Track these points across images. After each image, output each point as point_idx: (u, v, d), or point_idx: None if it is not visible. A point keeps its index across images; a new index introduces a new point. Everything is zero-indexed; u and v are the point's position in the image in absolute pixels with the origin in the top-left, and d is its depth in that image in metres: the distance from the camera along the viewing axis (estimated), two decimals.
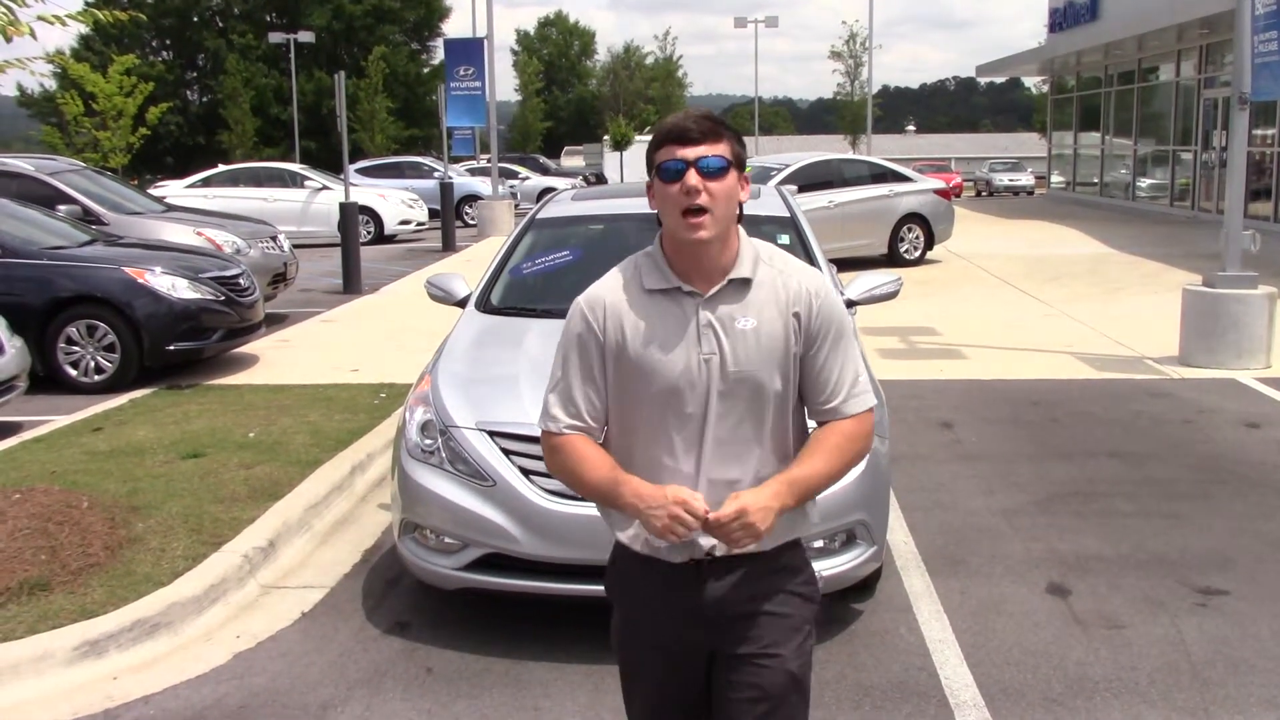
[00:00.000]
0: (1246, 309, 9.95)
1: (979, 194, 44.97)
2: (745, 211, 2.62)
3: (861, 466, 4.15)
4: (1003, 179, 44.53)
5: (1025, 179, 44.21)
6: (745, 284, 2.54)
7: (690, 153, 2.46)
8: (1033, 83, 72.17)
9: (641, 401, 2.54)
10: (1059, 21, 35.34)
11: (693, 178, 2.44)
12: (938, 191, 19.19)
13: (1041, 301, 14.33)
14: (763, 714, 2.56)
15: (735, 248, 2.56)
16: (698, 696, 2.66)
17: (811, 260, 5.94)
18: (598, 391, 2.59)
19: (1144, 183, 30.90)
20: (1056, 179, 39.48)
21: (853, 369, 2.59)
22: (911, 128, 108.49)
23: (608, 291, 2.59)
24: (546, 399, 2.62)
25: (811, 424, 2.64)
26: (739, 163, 2.52)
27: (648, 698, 2.71)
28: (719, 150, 2.48)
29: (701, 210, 2.45)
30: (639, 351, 2.52)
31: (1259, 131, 22.18)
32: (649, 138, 2.72)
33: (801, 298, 2.55)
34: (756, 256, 2.58)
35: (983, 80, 61.31)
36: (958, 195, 34.68)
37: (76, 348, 9.60)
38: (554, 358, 2.64)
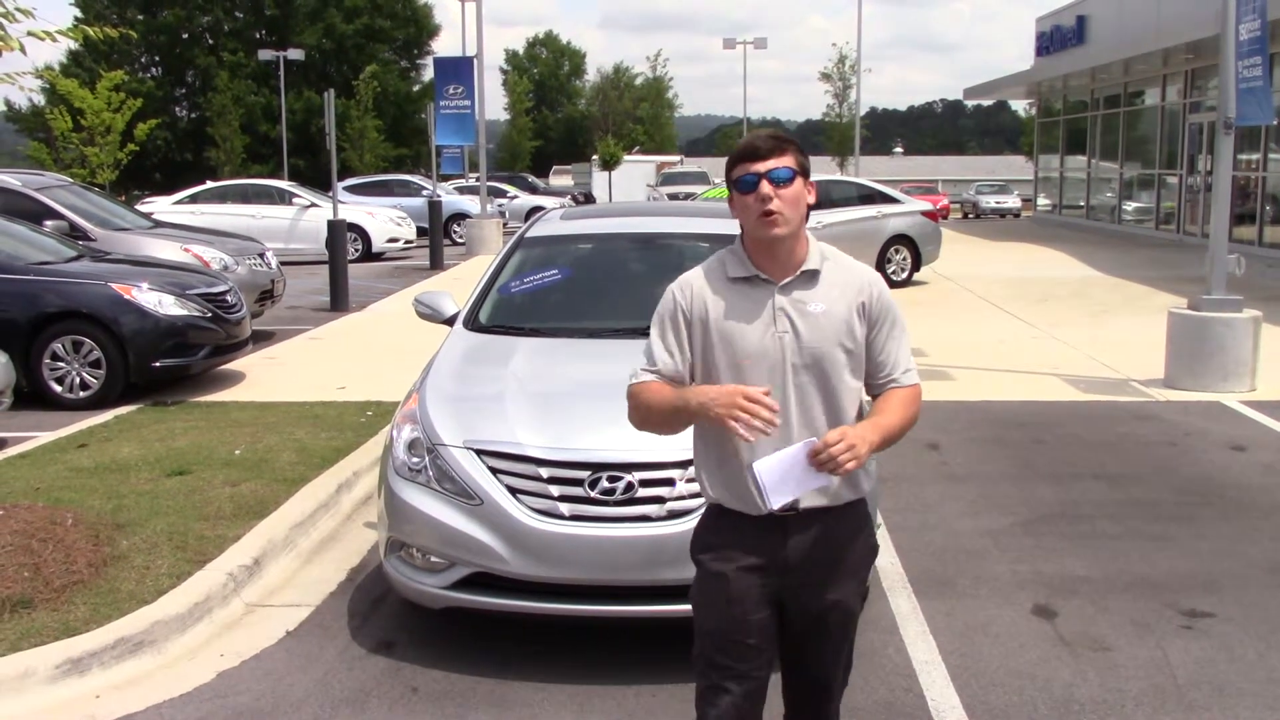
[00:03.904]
0: (1231, 332, 10.00)
1: (965, 216, 45.15)
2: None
3: None
4: (989, 201, 44.67)
5: (1012, 201, 44.33)
6: (814, 275, 2.94)
7: (761, 166, 2.84)
8: (1020, 106, 72.74)
9: (723, 370, 2.88)
10: (1046, 45, 35.58)
11: (765, 187, 2.83)
12: (925, 213, 19.27)
13: (1028, 323, 14.38)
14: (827, 649, 3.02)
15: (805, 245, 2.96)
16: (767, 635, 2.95)
17: None
18: (680, 350, 2.95)
19: (1130, 206, 31.07)
20: (1043, 202, 39.66)
21: (906, 352, 3.01)
22: (899, 149, 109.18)
23: (696, 277, 3.00)
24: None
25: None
26: (804, 171, 2.90)
27: (720, 636, 2.93)
28: (785, 162, 2.86)
29: (775, 212, 2.83)
30: (721, 324, 2.90)
31: (1243, 156, 22.33)
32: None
33: (865, 288, 2.96)
34: (823, 254, 3.00)
35: (970, 103, 61.62)
36: (944, 217, 34.81)
37: (62, 364, 9.56)
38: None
